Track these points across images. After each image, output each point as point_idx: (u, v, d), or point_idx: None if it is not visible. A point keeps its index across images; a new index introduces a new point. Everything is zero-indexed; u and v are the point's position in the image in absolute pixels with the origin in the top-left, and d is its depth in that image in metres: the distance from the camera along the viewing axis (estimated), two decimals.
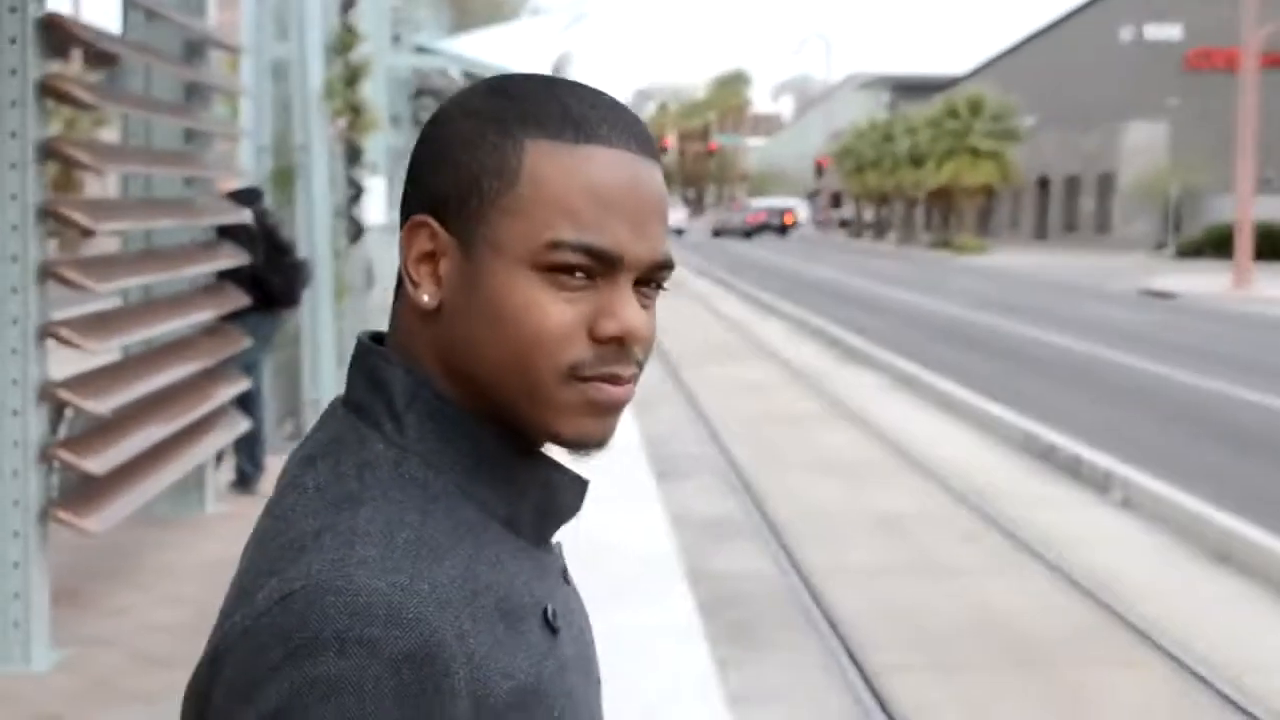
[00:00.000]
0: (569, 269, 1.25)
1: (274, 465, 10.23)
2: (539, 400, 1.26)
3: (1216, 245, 55.06)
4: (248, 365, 9.46)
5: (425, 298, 1.29)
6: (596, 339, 1.26)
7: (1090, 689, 7.28)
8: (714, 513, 10.89)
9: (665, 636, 7.09)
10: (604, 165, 1.26)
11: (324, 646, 1.15)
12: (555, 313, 1.25)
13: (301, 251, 10.89)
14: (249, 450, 9.89)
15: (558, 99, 1.29)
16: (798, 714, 6.84)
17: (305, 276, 10.12)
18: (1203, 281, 41.17)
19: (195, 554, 8.46)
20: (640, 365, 1.30)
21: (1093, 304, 33.36)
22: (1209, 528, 10.17)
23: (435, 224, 1.29)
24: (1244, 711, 6.87)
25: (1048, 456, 13.32)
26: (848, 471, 12.71)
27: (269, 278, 9.63)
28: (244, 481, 9.97)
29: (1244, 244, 39.12)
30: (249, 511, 9.42)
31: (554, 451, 1.33)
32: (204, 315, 8.48)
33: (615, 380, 1.27)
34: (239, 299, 8.90)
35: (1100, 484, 12.01)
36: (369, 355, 1.32)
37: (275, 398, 11.43)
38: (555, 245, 1.24)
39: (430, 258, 1.29)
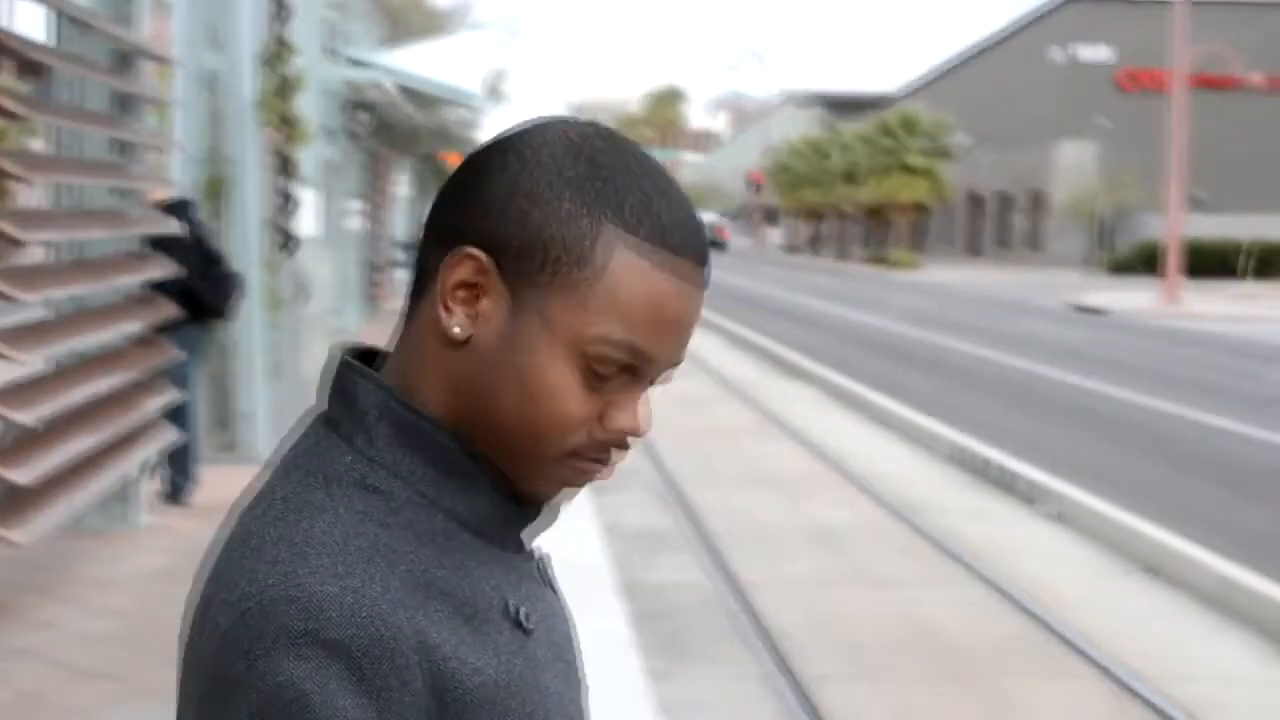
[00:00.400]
0: (605, 364, 1.26)
1: (206, 477, 10.15)
2: (533, 468, 1.30)
3: (1146, 262, 55.65)
4: (179, 377, 9.38)
5: (456, 330, 1.28)
6: (604, 428, 1.28)
7: (1021, 699, 7.32)
8: (648, 525, 10.89)
9: (597, 647, 7.06)
10: (674, 286, 1.26)
11: (282, 653, 1.17)
12: (580, 403, 1.26)
13: (234, 263, 10.82)
14: (180, 462, 9.82)
15: (644, 190, 1.27)
16: None
17: (237, 288, 10.05)
18: (1133, 298, 41.59)
19: (126, 566, 8.39)
20: (628, 449, 1.32)
21: (1025, 319, 33.62)
22: (1139, 540, 10.26)
23: (487, 262, 1.26)
24: None
25: (981, 470, 13.40)
26: (783, 485, 12.74)
27: (201, 289, 9.56)
28: (175, 494, 9.88)
29: (1173, 261, 39.57)
30: (180, 524, 9.34)
31: None
32: (134, 326, 8.41)
33: (604, 462, 1.31)
34: (170, 310, 8.83)
35: (1032, 497, 12.09)
36: (342, 371, 1.32)
37: (207, 410, 11.35)
38: (606, 342, 1.25)
39: (472, 290, 1.27)
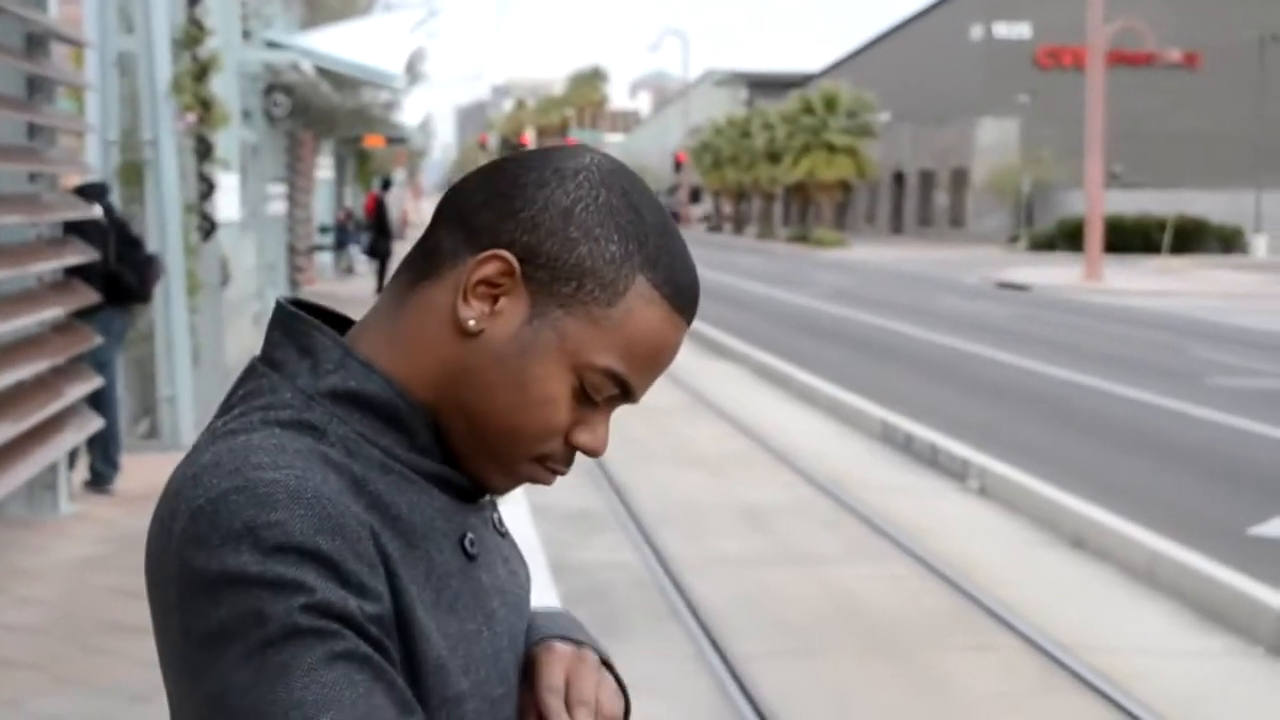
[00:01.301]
0: (598, 390, 1.37)
1: (129, 465, 10.04)
2: (500, 465, 1.38)
3: (1067, 238, 56.16)
4: (100, 363, 9.27)
5: (471, 322, 1.35)
6: (568, 441, 1.39)
7: (949, 672, 7.37)
8: (577, 505, 10.87)
9: None
10: (674, 340, 1.39)
11: (239, 538, 1.22)
12: (564, 416, 1.37)
13: (153, 247, 10.70)
14: (103, 449, 9.70)
15: (671, 251, 1.39)
16: (662, 703, 6.84)
17: (157, 271, 9.94)
18: (1055, 274, 41.95)
19: (48, 555, 8.28)
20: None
21: (949, 297, 33.84)
22: (1064, 514, 10.35)
23: (517, 266, 1.35)
24: (1098, 691, 6.99)
25: (906, 446, 13.47)
26: (712, 464, 12.76)
27: (121, 273, 9.45)
28: (99, 481, 9.77)
29: (1094, 237, 39.92)
30: (105, 512, 9.24)
31: None
32: (53, 312, 8.29)
33: (560, 472, 1.41)
34: (88, 295, 8.72)
35: (958, 473, 12.17)
36: (297, 322, 1.38)
37: (130, 395, 11.23)
38: (609, 373, 1.36)
39: (493, 286, 1.35)
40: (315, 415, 1.33)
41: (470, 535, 1.38)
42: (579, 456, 1.42)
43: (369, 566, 1.25)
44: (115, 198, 10.39)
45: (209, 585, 1.23)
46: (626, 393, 1.38)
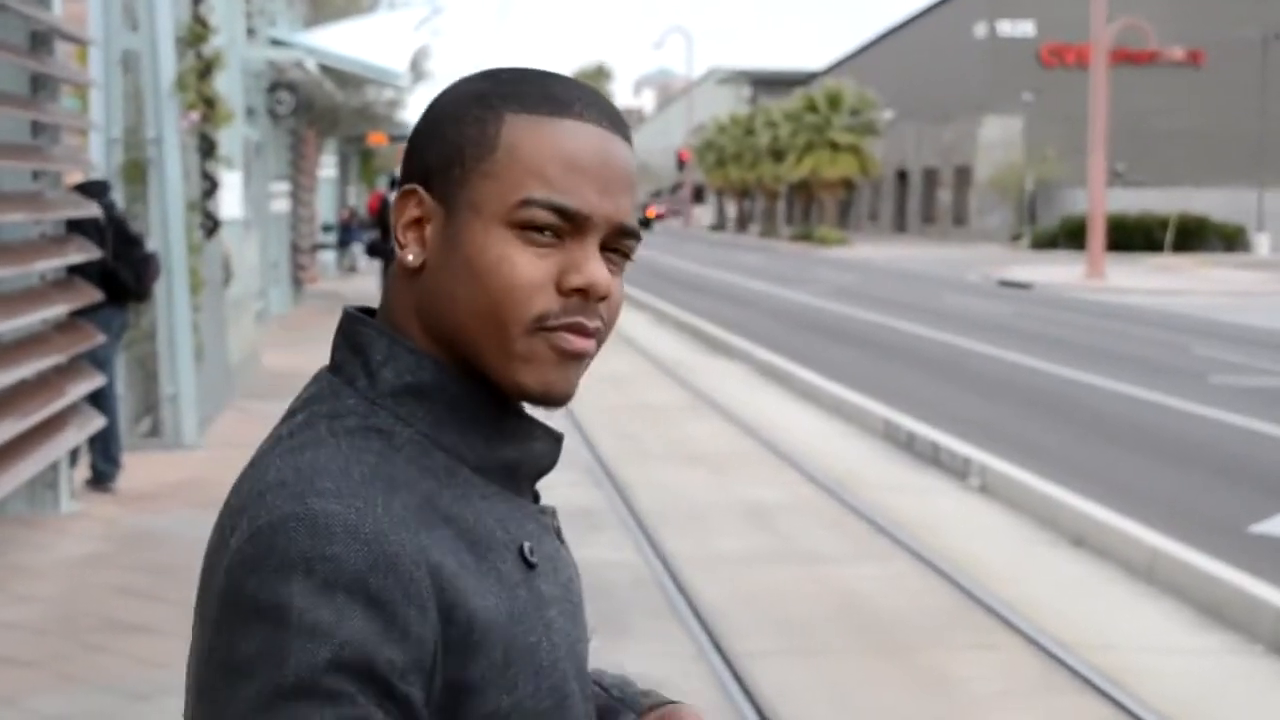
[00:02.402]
0: (539, 227, 1.35)
1: (132, 464, 10.06)
2: (506, 349, 1.36)
3: (1070, 236, 56.15)
4: (99, 361, 9.28)
5: (410, 257, 1.39)
6: (563, 291, 1.36)
7: (950, 671, 7.37)
8: (578, 503, 10.87)
9: None
10: (575, 135, 1.37)
11: (292, 568, 1.23)
12: (525, 266, 1.35)
13: (155, 245, 10.71)
14: (104, 448, 9.71)
15: (538, 82, 1.40)
16: None
17: (155, 269, 9.95)
18: (1057, 272, 41.94)
19: (49, 553, 8.29)
20: (606, 324, 1.40)
21: (952, 294, 33.83)
22: (1065, 512, 10.35)
23: (423, 191, 1.40)
24: (1099, 690, 7.00)
25: (908, 445, 13.48)
26: (713, 462, 12.76)
27: (119, 271, 9.45)
28: (100, 479, 9.78)
29: (1097, 235, 39.90)
30: (106, 510, 9.26)
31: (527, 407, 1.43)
32: (56, 310, 8.31)
33: (579, 329, 1.37)
34: (91, 294, 8.73)
35: (959, 471, 12.17)
36: (352, 322, 1.42)
37: (132, 394, 11.24)
38: (526, 203, 1.35)
39: (418, 223, 1.40)
40: (382, 419, 1.35)
41: (529, 544, 1.38)
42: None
43: (418, 609, 1.25)
44: (117, 196, 10.39)
45: (249, 612, 1.24)
46: (575, 216, 1.36)
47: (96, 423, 8.90)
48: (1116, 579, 9.13)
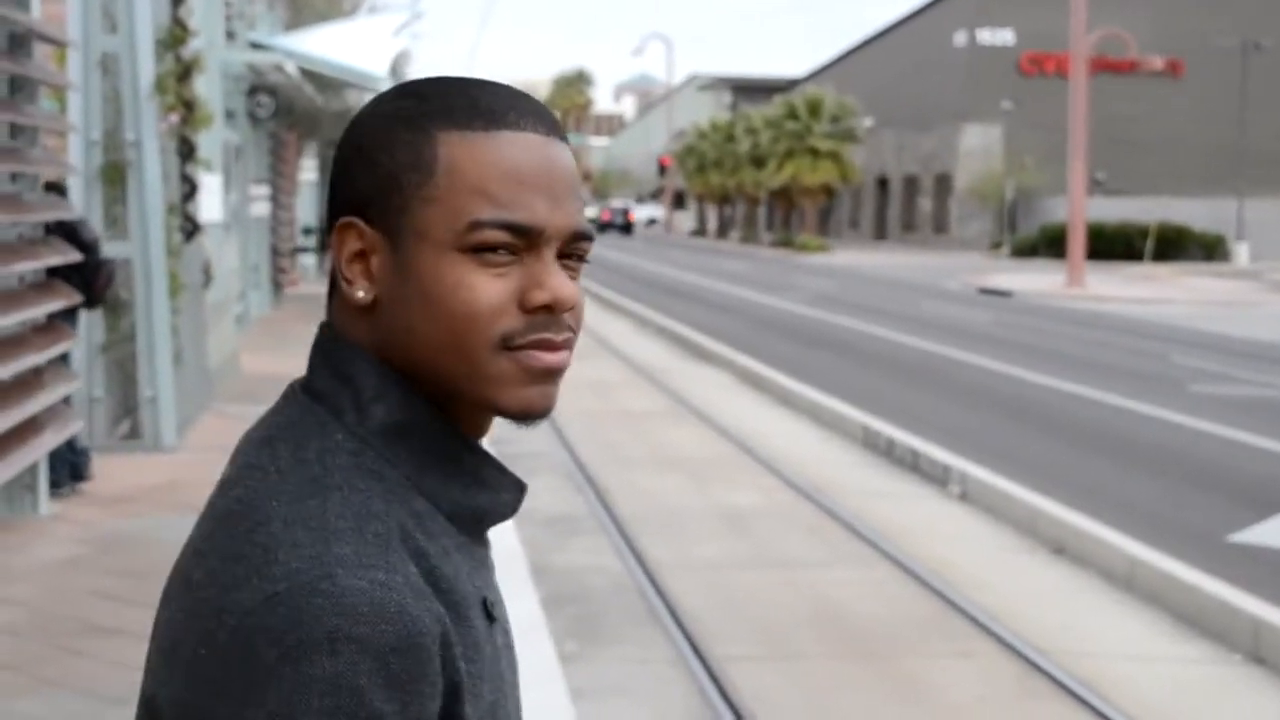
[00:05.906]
0: (492, 247, 1.30)
1: (110, 467, 10.02)
2: (477, 375, 1.31)
3: (1050, 244, 56.24)
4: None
5: (360, 294, 1.33)
6: (526, 310, 1.31)
7: (928, 677, 7.38)
8: (558, 509, 10.87)
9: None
10: (515, 147, 1.32)
11: (316, 647, 1.18)
12: (484, 289, 1.30)
13: (134, 248, 10.67)
14: (68, 443, 9.64)
15: (465, 93, 1.34)
16: (641, 706, 6.85)
17: (108, 276, 9.85)
18: (1037, 280, 42.03)
19: (27, 556, 8.26)
20: (573, 332, 1.34)
21: (932, 302, 33.88)
22: (1044, 520, 10.37)
23: (362, 223, 1.33)
24: (1077, 697, 7.01)
25: (888, 451, 13.49)
26: (692, 468, 12.77)
27: (69, 278, 9.36)
28: (76, 474, 9.71)
29: (1077, 244, 39.99)
30: (85, 514, 9.22)
31: (503, 427, 1.40)
32: (34, 312, 8.27)
33: (548, 346, 1.32)
34: (70, 296, 8.70)
35: (939, 478, 12.18)
36: (336, 346, 1.35)
37: (111, 396, 11.20)
38: (476, 225, 1.29)
39: (361, 256, 1.33)
40: (370, 459, 1.29)
41: (489, 597, 1.34)
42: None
43: (430, 685, 1.22)
44: (77, 199, 10.34)
45: (263, 681, 1.19)
46: (527, 231, 1.30)
47: (75, 426, 8.86)
48: (1096, 587, 9.15)
